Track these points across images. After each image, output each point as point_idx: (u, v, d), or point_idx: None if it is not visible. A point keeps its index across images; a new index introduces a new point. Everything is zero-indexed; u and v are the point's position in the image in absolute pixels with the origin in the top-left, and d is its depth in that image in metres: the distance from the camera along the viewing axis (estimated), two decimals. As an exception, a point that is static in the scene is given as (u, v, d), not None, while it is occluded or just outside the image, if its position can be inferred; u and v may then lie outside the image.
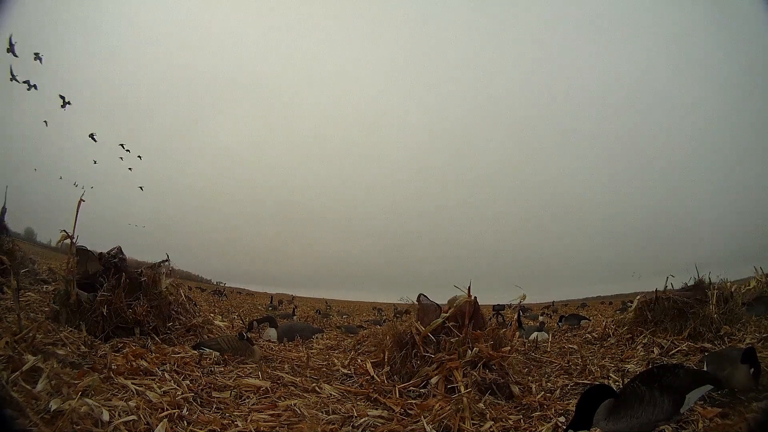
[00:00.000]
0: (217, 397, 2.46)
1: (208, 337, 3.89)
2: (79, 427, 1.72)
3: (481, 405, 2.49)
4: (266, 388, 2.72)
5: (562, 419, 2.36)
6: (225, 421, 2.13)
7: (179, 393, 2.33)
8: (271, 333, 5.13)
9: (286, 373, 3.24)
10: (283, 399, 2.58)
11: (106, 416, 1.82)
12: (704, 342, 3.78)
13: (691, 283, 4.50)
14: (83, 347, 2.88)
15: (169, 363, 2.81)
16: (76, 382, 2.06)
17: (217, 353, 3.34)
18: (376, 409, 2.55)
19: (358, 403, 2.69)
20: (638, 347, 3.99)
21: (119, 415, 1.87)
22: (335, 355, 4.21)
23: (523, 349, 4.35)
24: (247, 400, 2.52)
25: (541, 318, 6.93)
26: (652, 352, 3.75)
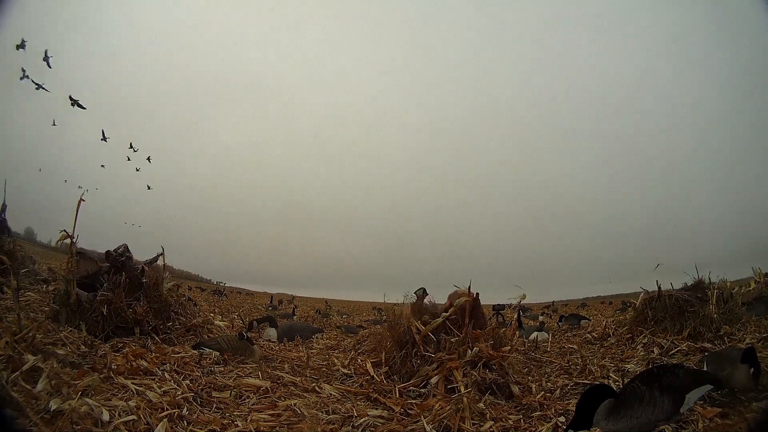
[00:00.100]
0: (217, 397, 2.46)
1: (208, 337, 3.89)
2: (79, 427, 1.72)
3: (481, 405, 2.49)
4: (266, 388, 2.72)
5: (562, 419, 2.36)
6: (225, 421, 2.13)
7: (179, 393, 2.33)
8: (271, 333, 5.13)
9: (286, 373, 3.24)
10: (283, 399, 2.58)
11: (106, 416, 1.82)
12: (704, 342, 3.77)
13: (691, 283, 4.50)
14: (83, 347, 2.89)
15: (169, 363, 2.81)
16: (76, 382, 2.06)
17: (217, 353, 3.34)
18: (376, 409, 2.55)
19: (358, 403, 2.69)
20: (638, 347, 3.99)
21: (119, 415, 1.87)
22: (335, 355, 4.21)
23: (523, 349, 4.35)
24: (247, 400, 2.52)
25: (541, 318, 6.93)
26: (652, 352, 3.75)
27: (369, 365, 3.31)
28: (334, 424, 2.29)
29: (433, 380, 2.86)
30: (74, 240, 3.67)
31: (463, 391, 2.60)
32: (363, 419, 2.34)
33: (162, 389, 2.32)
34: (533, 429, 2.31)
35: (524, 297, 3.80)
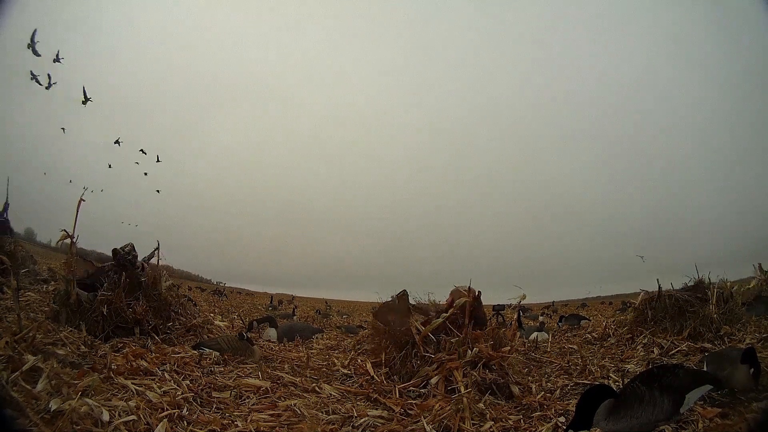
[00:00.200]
0: (217, 397, 2.46)
1: (208, 337, 3.89)
2: (79, 427, 1.72)
3: (481, 405, 2.49)
4: (266, 388, 2.72)
5: (562, 419, 2.36)
6: (225, 421, 2.13)
7: (179, 393, 2.33)
8: (271, 333, 5.13)
9: (286, 373, 3.24)
10: (283, 399, 2.58)
11: (106, 416, 1.82)
12: (704, 342, 3.77)
13: (691, 283, 4.50)
14: (83, 347, 2.89)
15: (169, 363, 2.81)
16: (76, 382, 2.06)
17: (217, 353, 3.34)
18: (376, 409, 2.55)
19: (358, 403, 2.69)
20: (638, 347, 3.99)
21: (119, 415, 1.87)
22: (335, 355, 4.21)
23: (523, 349, 4.35)
24: (247, 400, 2.52)
25: (541, 318, 6.93)
26: (652, 352, 3.75)
27: (369, 365, 3.31)
28: (334, 424, 2.29)
29: (433, 380, 2.86)
30: (74, 240, 3.67)
31: (463, 392, 2.60)
32: (363, 419, 2.34)
33: (162, 389, 2.32)
34: (533, 429, 2.31)
35: (524, 297, 3.80)
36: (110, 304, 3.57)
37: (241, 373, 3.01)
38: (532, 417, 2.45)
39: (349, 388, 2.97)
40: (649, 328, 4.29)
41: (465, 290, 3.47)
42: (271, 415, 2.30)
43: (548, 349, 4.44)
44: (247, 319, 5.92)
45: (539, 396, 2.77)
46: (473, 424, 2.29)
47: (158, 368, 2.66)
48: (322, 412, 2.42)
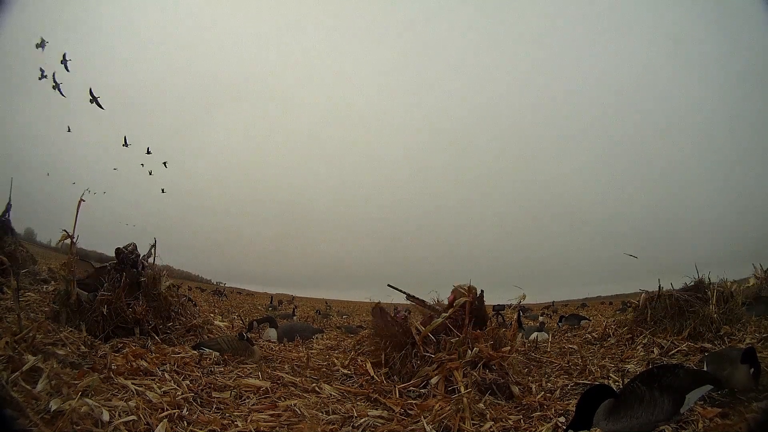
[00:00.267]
0: (217, 397, 2.46)
1: (208, 337, 3.89)
2: (79, 427, 1.72)
3: (481, 405, 2.49)
4: (266, 388, 2.72)
5: (562, 419, 2.36)
6: (225, 421, 2.13)
7: (179, 393, 2.33)
8: (271, 333, 5.13)
9: (286, 373, 3.24)
10: (283, 399, 2.58)
11: (106, 416, 1.82)
12: (704, 342, 3.77)
13: (692, 283, 4.50)
14: (83, 347, 2.88)
15: (169, 363, 2.81)
16: (76, 382, 2.06)
17: (217, 353, 3.34)
18: (376, 409, 2.55)
19: (358, 403, 2.69)
20: (638, 347, 3.99)
21: (119, 415, 1.87)
22: (335, 355, 4.20)
23: (523, 349, 4.35)
24: (247, 400, 2.52)
25: (541, 318, 6.92)
26: (652, 352, 3.75)
27: (369, 365, 3.31)
28: (334, 424, 2.29)
29: (433, 380, 2.86)
30: (74, 240, 3.67)
31: (463, 392, 2.60)
32: (363, 419, 2.34)
33: (162, 389, 2.32)
34: (533, 429, 2.31)
35: (524, 297, 3.80)
36: (110, 304, 3.57)
37: (241, 373, 3.01)
38: (532, 417, 2.45)
39: (349, 388, 2.97)
40: (649, 328, 4.29)
41: (466, 289, 3.48)
42: (271, 415, 2.30)
43: (548, 349, 4.44)
44: (247, 319, 5.92)
45: (539, 396, 2.77)
46: (473, 424, 2.29)
47: (158, 368, 2.66)
48: (322, 412, 2.42)
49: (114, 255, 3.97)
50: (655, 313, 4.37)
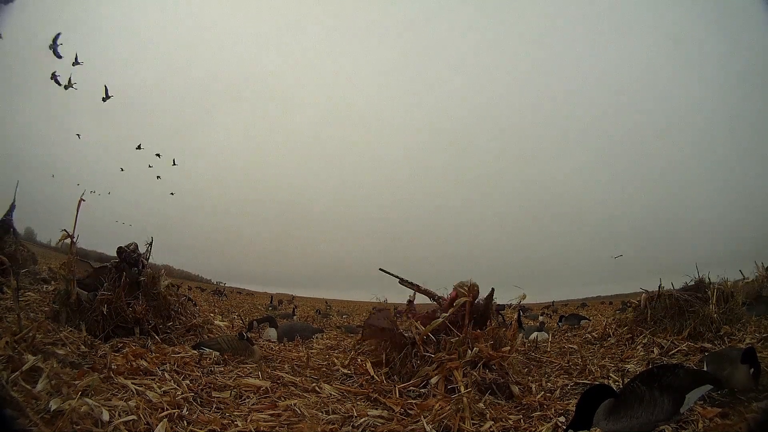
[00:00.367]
0: (217, 397, 2.46)
1: (208, 337, 3.89)
2: (79, 427, 1.72)
3: (481, 405, 2.49)
4: (266, 388, 2.72)
5: (562, 419, 2.36)
6: (225, 421, 2.13)
7: (179, 393, 2.33)
8: (271, 333, 5.13)
9: (286, 373, 3.24)
10: (283, 399, 2.58)
11: (106, 416, 1.82)
12: (704, 342, 3.77)
13: (692, 283, 4.50)
14: (83, 347, 2.89)
15: (169, 363, 2.81)
16: (76, 381, 2.06)
17: (217, 353, 3.34)
18: (376, 409, 2.55)
19: (358, 403, 2.69)
20: (638, 347, 3.99)
21: (119, 415, 1.87)
22: (335, 355, 4.20)
23: (523, 349, 4.35)
24: (247, 400, 2.52)
25: (541, 318, 6.92)
26: (652, 352, 3.75)
27: (369, 365, 3.31)
28: (334, 424, 2.29)
29: (433, 380, 2.86)
30: (74, 240, 3.67)
31: (463, 391, 2.60)
32: (363, 419, 2.34)
33: (162, 389, 2.32)
34: (533, 429, 2.31)
35: (524, 297, 3.80)
36: (110, 304, 3.57)
37: (241, 373, 3.01)
38: (532, 417, 2.45)
39: (349, 388, 2.97)
40: (649, 327, 4.29)
41: (468, 285, 3.50)
42: (271, 415, 2.30)
43: (548, 349, 4.44)
44: (247, 319, 5.92)
45: (539, 396, 2.77)
46: (473, 424, 2.29)
47: (158, 368, 2.66)
48: (322, 412, 2.42)
49: (115, 254, 3.97)
50: (655, 312, 4.37)
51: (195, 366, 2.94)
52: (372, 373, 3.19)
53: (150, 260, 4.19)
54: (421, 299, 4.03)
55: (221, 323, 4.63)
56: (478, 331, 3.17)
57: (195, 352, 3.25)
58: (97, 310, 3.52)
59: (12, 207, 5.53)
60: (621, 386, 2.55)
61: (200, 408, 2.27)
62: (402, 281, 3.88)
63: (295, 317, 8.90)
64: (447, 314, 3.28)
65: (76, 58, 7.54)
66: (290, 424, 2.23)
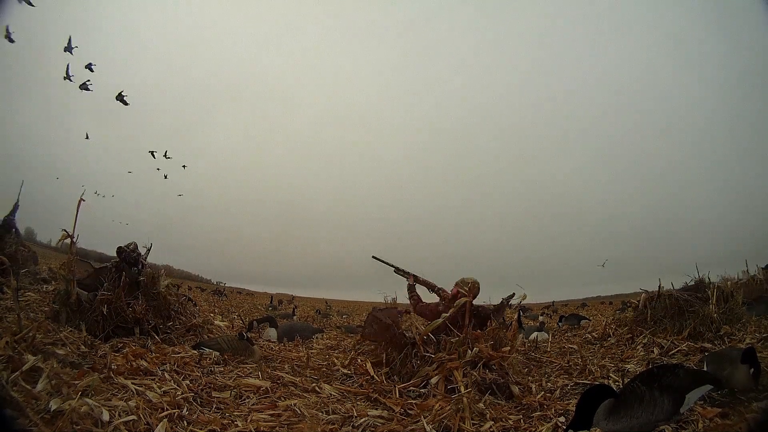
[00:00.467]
0: (217, 397, 2.46)
1: (208, 337, 3.89)
2: (79, 427, 1.72)
3: (481, 405, 2.49)
4: (266, 388, 2.72)
5: (562, 419, 2.36)
6: (225, 421, 2.13)
7: (179, 393, 2.33)
8: (271, 333, 5.13)
9: (286, 373, 3.24)
10: (283, 399, 2.58)
11: (106, 416, 1.82)
12: (704, 342, 3.77)
13: (692, 283, 4.50)
14: (83, 347, 2.89)
15: (169, 363, 2.81)
16: (76, 381, 2.06)
17: (217, 353, 3.34)
18: (376, 409, 2.55)
19: (358, 403, 2.69)
20: (638, 347, 3.99)
21: (119, 415, 1.87)
22: (335, 355, 4.20)
23: (523, 349, 4.35)
24: (247, 400, 2.52)
25: (541, 318, 6.92)
26: (652, 352, 3.75)
27: (369, 365, 3.31)
28: (334, 424, 2.29)
29: (433, 380, 2.86)
30: (74, 240, 3.67)
31: (463, 392, 2.60)
32: (363, 419, 2.34)
33: (162, 389, 2.32)
34: (533, 429, 2.31)
35: (524, 297, 3.80)
36: (110, 304, 3.57)
37: (241, 373, 3.01)
38: (532, 417, 2.45)
39: (349, 388, 2.97)
40: (649, 327, 4.29)
41: (469, 282, 3.53)
42: (271, 415, 2.30)
43: (548, 349, 4.44)
44: (247, 319, 5.92)
45: (539, 396, 2.77)
46: (473, 424, 2.28)
47: (158, 368, 2.66)
48: (322, 412, 2.42)
49: (115, 254, 3.98)
50: (655, 312, 4.37)
51: (195, 366, 2.94)
52: (372, 373, 3.20)
53: (150, 260, 4.20)
54: (421, 297, 4.02)
55: (221, 323, 4.63)
56: (479, 331, 3.18)
57: (195, 352, 3.25)
58: (97, 310, 3.52)
59: (15, 207, 5.54)
60: (621, 386, 2.55)
61: (200, 408, 2.27)
62: (397, 270, 3.88)
63: (295, 317, 8.90)
64: (447, 314, 3.29)
65: (89, 64, 7.60)
66: (290, 424, 2.23)
